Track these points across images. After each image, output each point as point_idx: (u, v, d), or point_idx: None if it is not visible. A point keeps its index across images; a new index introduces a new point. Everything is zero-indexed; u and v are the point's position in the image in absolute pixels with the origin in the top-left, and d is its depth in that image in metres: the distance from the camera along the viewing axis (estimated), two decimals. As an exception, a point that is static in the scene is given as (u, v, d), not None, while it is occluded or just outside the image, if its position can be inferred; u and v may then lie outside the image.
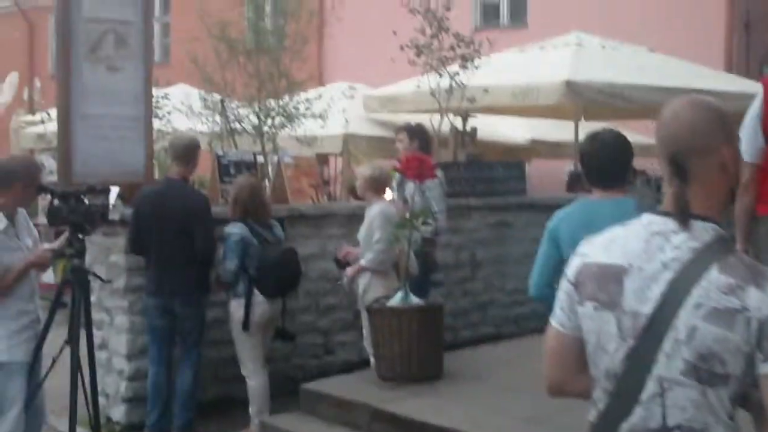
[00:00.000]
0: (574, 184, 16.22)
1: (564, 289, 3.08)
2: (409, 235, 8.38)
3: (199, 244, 8.36)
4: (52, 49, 37.20)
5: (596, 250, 3.01)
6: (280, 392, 8.86)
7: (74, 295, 7.02)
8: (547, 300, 5.28)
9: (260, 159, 12.07)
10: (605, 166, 5.34)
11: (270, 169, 11.58)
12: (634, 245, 2.94)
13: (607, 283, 2.94)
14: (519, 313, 12.31)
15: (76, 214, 6.98)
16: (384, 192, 9.24)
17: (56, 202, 7.03)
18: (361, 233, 9.10)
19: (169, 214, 8.36)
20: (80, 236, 7.01)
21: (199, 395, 8.75)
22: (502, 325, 12.16)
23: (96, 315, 7.79)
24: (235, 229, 8.43)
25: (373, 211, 8.95)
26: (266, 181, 11.47)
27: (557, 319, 3.09)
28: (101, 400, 7.69)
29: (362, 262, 9.01)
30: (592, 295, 2.95)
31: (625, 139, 5.45)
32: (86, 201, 7.11)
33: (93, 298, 7.69)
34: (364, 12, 23.11)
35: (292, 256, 8.71)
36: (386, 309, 8.30)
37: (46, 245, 7.47)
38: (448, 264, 11.45)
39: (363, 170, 9.33)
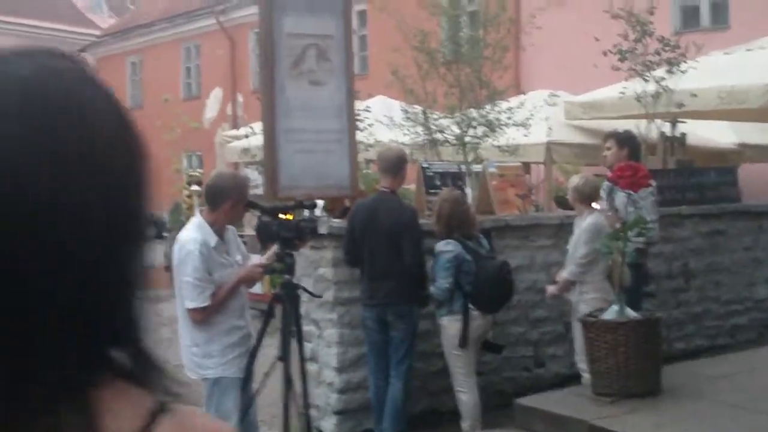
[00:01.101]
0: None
1: None
2: (622, 247, 8.13)
3: (407, 258, 8.29)
4: (253, 65, 38.06)
5: None
6: (491, 406, 8.75)
7: (285, 310, 7.01)
8: None
9: (475, 168, 11.97)
10: None
11: (474, 179, 11.44)
12: None
13: None
14: (735, 324, 11.98)
15: (286, 229, 6.97)
16: (594, 202, 9.01)
17: (265, 218, 7.04)
18: (571, 243, 8.92)
19: (379, 227, 8.35)
20: (290, 252, 7.00)
21: (409, 408, 8.66)
22: (716, 336, 11.85)
23: (304, 327, 7.77)
24: (449, 247, 8.32)
25: (585, 223, 8.76)
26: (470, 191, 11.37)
27: None
28: (311, 412, 7.67)
29: (564, 274, 8.82)
30: None
31: None
32: (296, 216, 7.12)
33: (301, 311, 7.69)
34: (563, 19, 22.82)
35: (507, 270, 8.56)
36: (601, 323, 8.07)
37: (256, 260, 7.48)
38: (660, 274, 11.20)
39: (573, 180, 9.14)
